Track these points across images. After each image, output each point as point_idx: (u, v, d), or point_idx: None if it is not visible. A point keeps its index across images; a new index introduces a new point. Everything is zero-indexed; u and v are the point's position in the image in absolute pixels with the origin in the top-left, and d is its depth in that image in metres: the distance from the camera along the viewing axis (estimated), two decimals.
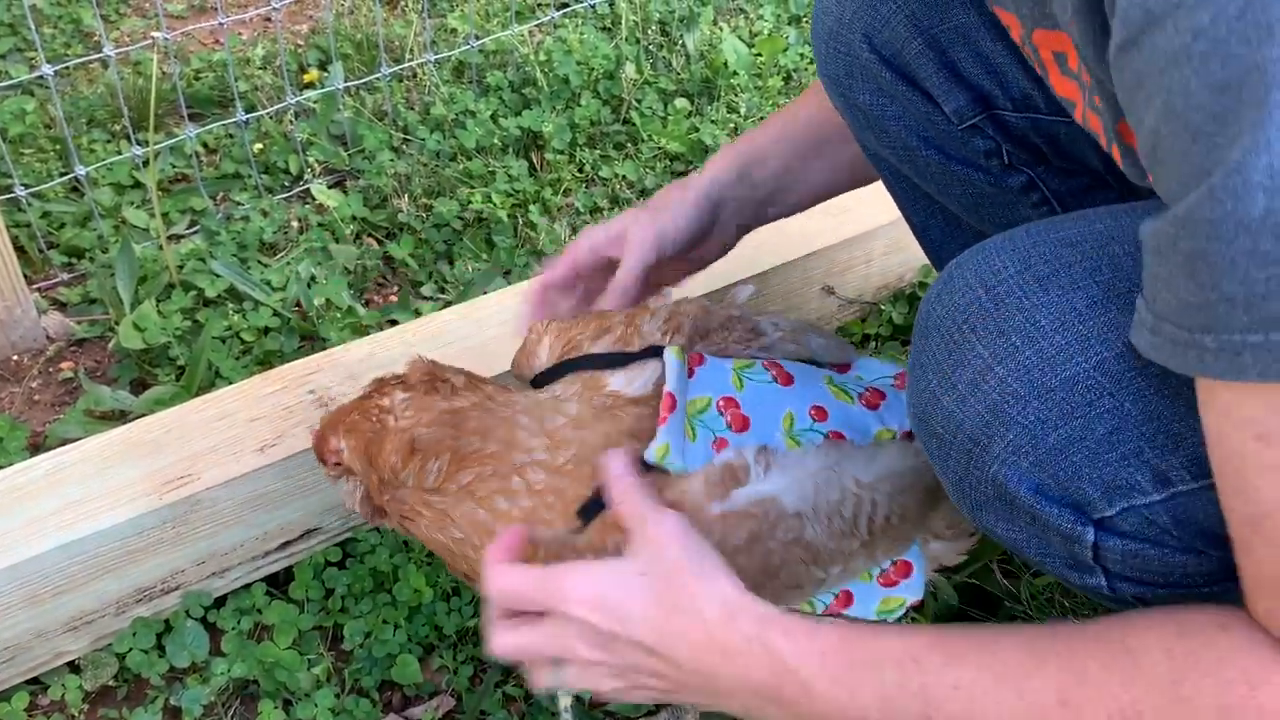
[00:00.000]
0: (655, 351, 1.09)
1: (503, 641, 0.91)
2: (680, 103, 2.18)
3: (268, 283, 1.79)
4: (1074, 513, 0.82)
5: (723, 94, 2.22)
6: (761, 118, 2.18)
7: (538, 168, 2.06)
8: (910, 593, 1.09)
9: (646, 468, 1.00)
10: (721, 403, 1.04)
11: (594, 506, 0.99)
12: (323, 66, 2.29)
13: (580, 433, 1.03)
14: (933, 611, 1.32)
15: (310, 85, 2.23)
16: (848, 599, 1.09)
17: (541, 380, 1.13)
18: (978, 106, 1.16)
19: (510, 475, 1.01)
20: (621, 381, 1.08)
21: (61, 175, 1.92)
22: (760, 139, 1.29)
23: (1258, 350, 0.60)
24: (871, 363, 1.18)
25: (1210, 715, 0.70)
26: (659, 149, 2.09)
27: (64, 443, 1.36)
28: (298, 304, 1.78)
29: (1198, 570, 0.81)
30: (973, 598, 1.37)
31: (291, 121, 2.11)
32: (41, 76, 1.67)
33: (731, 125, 2.16)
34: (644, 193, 2.02)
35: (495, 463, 1.01)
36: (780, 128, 1.30)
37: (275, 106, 2.04)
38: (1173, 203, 0.61)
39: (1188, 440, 0.76)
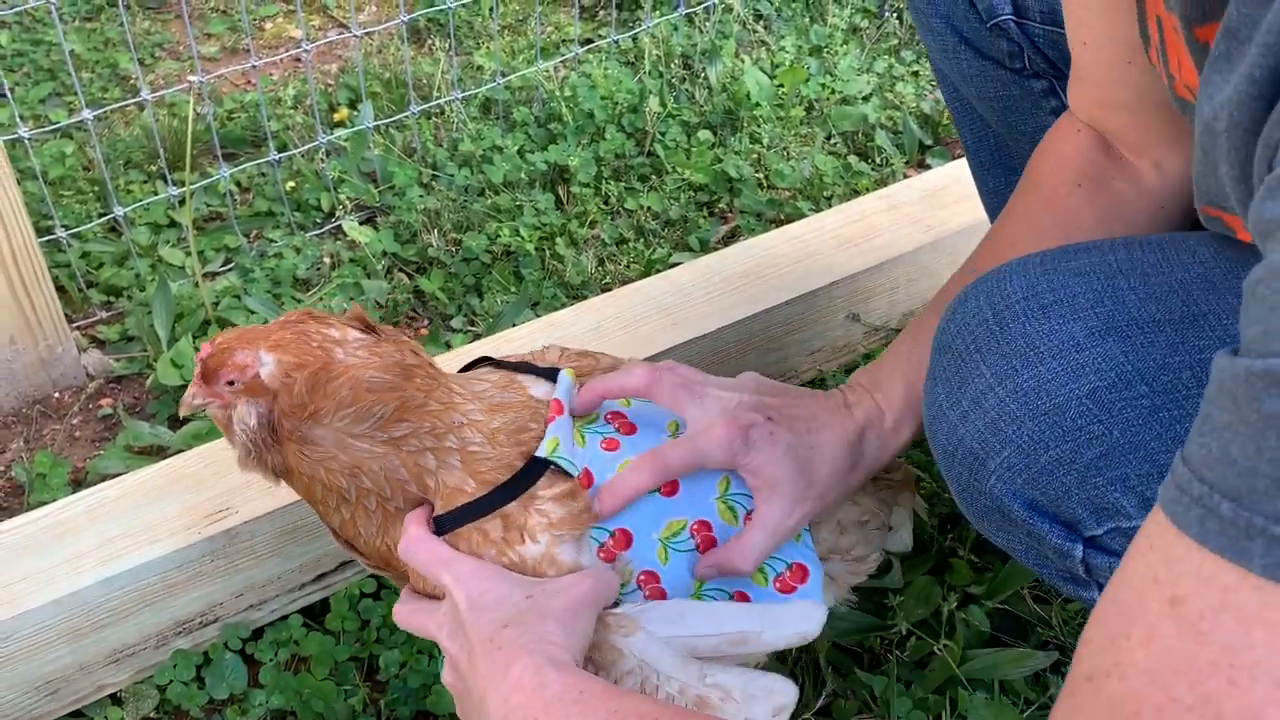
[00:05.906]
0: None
1: (400, 610, 1.05)
2: (703, 134, 2.20)
3: None
4: (1065, 529, 0.86)
5: (745, 125, 2.24)
6: (784, 148, 2.20)
7: (564, 201, 2.09)
8: (808, 599, 1.08)
9: (541, 465, 1.03)
10: (610, 415, 1.11)
11: (461, 514, 1.02)
12: (353, 105, 2.33)
13: (506, 399, 1.09)
14: (964, 639, 1.32)
15: (341, 124, 2.27)
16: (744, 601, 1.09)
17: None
18: (1007, 5, 1.20)
19: (446, 434, 1.03)
20: (529, 381, 1.12)
21: (100, 216, 1.96)
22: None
23: (1272, 541, 0.53)
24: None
25: None
26: (683, 180, 2.11)
27: (104, 478, 1.39)
28: None
29: None
30: (1004, 624, 1.37)
31: (323, 159, 2.14)
32: (81, 121, 1.71)
33: (754, 155, 2.19)
34: (669, 224, 2.05)
35: (434, 419, 1.03)
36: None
37: (307, 145, 2.08)
38: (1250, 348, 0.54)
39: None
